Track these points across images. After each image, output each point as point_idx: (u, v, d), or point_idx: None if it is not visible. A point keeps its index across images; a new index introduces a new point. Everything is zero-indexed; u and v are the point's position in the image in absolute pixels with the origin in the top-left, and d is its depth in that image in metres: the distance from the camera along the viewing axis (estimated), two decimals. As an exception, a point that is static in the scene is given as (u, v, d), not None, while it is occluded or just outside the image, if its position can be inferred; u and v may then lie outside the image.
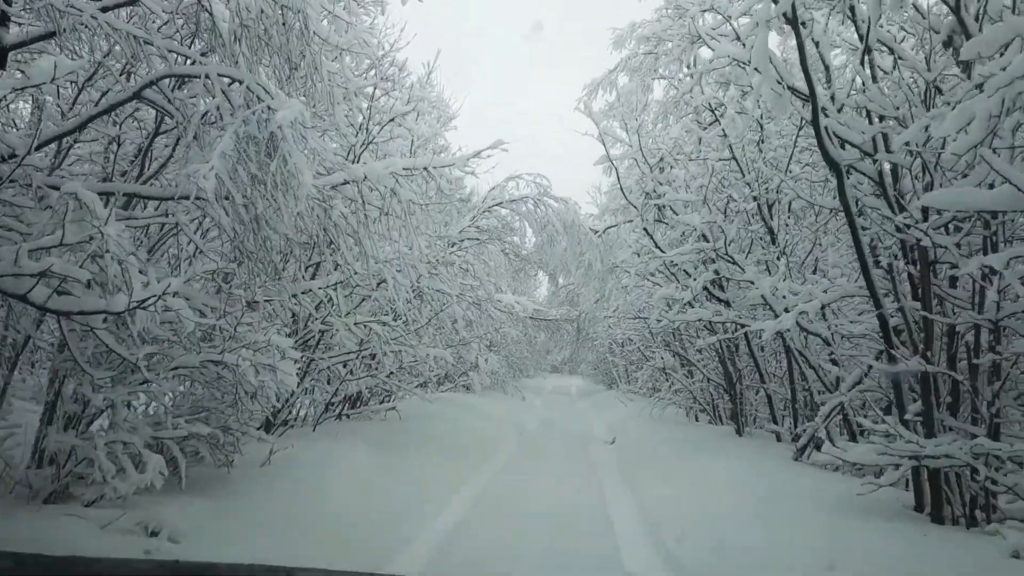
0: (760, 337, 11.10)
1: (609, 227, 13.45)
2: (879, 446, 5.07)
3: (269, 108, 5.89)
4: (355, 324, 8.99)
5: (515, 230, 13.44)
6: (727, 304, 10.32)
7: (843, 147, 5.95)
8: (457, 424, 13.25)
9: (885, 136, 5.87)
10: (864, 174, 5.94)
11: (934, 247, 5.30)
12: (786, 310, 8.95)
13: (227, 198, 5.70)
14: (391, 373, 11.70)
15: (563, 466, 10.55)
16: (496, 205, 13.32)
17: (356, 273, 7.76)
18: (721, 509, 6.36)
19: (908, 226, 5.42)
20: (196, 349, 5.54)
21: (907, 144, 4.99)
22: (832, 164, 5.61)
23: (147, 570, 1.69)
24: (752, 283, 9.21)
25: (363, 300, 10.40)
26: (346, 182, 6.83)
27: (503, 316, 16.55)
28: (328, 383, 10.63)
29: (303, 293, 7.36)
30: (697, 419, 15.83)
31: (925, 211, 5.40)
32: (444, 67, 46.91)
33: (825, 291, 8.52)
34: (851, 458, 5.14)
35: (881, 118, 5.81)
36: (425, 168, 6.82)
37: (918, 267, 5.52)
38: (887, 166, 5.88)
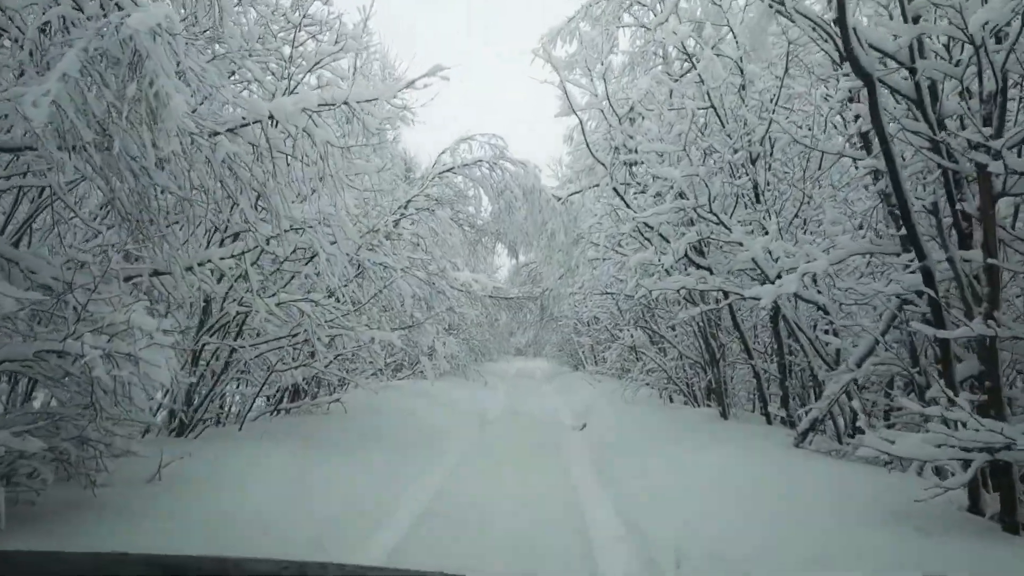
0: (755, 307, 9.95)
1: (573, 193, 12.16)
2: (936, 435, 3.86)
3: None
4: (278, 305, 7.58)
5: (469, 198, 12.08)
6: (708, 271, 9.10)
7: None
8: (410, 416, 11.91)
9: (920, 44, 4.65)
10: (896, 91, 4.72)
11: (1007, 173, 4.10)
12: (779, 276, 7.80)
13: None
14: (331, 362, 10.31)
15: (528, 461, 9.28)
16: (447, 171, 11.94)
17: (271, 240, 6.35)
18: (723, 513, 5.14)
19: (972, 147, 4.21)
20: (31, 335, 4.12)
21: (984, 25, 3.77)
22: (863, 75, 4.37)
23: (126, 563, 1.50)
24: (740, 245, 8.00)
25: (292, 277, 8.98)
26: (246, 122, 5.43)
27: (460, 295, 15.25)
28: (262, 374, 9.24)
29: (201, 265, 5.92)
30: (671, 400, 14.70)
31: (998, 123, 4.20)
32: (386, 34, 44.80)
33: (827, 250, 7.35)
34: (902, 452, 3.95)
35: (916, 19, 4.57)
36: (346, 102, 5.43)
37: (977, 202, 4.31)
38: (923, 82, 4.65)
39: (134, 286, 5.71)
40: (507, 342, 47.44)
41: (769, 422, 9.59)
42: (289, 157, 5.55)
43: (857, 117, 6.50)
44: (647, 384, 14.23)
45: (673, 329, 13.84)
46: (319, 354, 8.32)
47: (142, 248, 5.49)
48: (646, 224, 9.47)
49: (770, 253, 7.70)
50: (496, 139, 11.60)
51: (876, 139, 4.75)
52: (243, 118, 5.36)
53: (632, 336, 16.28)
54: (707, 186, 8.00)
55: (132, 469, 5.61)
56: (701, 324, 10.47)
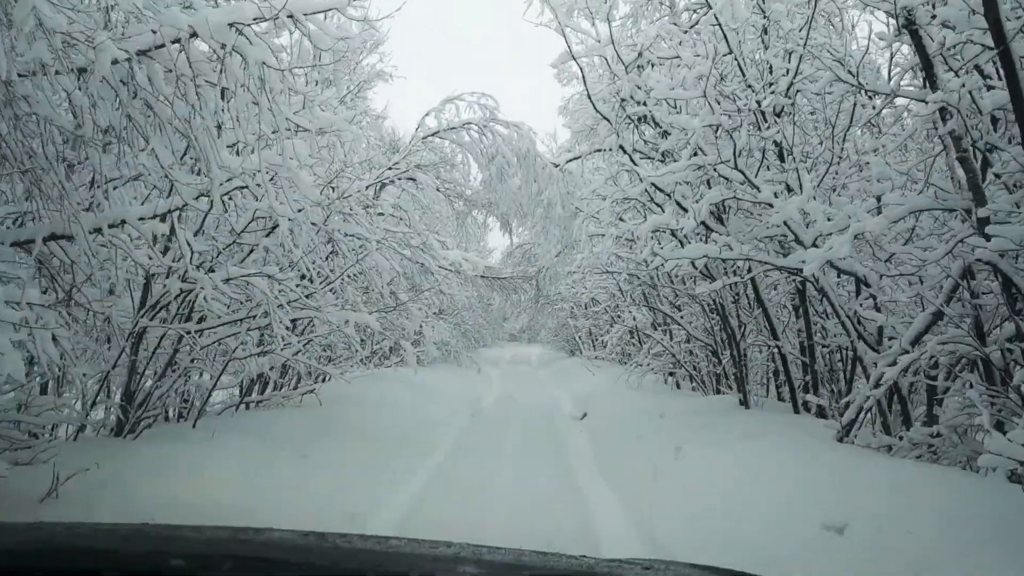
0: (781, 280, 8.83)
1: (572, 159, 10.99)
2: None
3: None
4: (227, 281, 6.41)
5: (457, 165, 10.90)
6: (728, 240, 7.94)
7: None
8: (393, 407, 10.78)
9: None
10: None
11: None
12: (814, 243, 6.67)
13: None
14: (299, 349, 9.16)
15: (524, 459, 8.16)
16: (432, 135, 10.75)
17: (203, 196, 5.17)
18: (780, 535, 4.02)
19: None
20: None
21: None
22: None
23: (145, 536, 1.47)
24: (769, 206, 6.85)
25: (252, 251, 7.82)
26: (162, 44, 4.24)
27: (450, 276, 14.09)
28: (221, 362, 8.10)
29: (114, 227, 4.74)
30: (679, 386, 13.61)
31: None
32: None
33: (873, 211, 6.24)
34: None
35: None
36: (290, 15, 4.24)
37: None
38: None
39: (27, 253, 4.54)
40: (501, 327, 46.39)
41: (796, 411, 8.49)
42: (225, 89, 4.38)
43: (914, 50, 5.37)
44: (652, 370, 13.11)
45: (680, 309, 12.73)
46: (281, 339, 7.15)
47: (36, 204, 4.33)
48: (657, 188, 8.31)
49: (805, 215, 6.56)
50: (486, 98, 10.42)
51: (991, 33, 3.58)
52: (157, 39, 4.18)
53: (635, 318, 15.19)
54: (732, 138, 6.83)
55: (32, 482, 4.48)
56: (719, 301, 9.33)
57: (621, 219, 11.76)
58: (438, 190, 10.82)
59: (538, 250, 17.15)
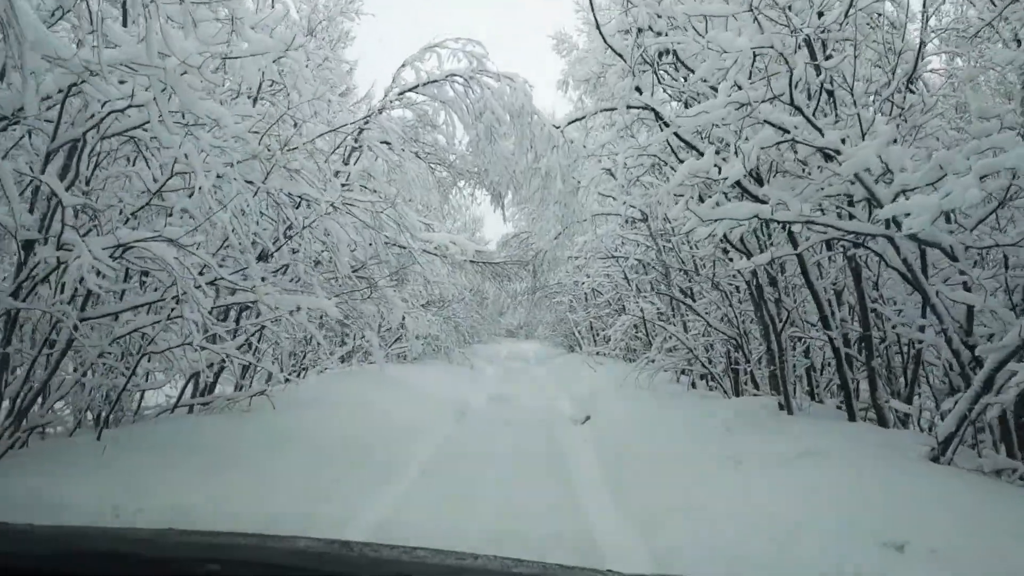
0: (834, 254, 7.22)
1: (575, 120, 9.36)
2: None
3: None
4: (118, 249, 4.79)
5: (439, 127, 9.28)
6: (761, 203, 6.34)
7: None
8: (363, 411, 9.16)
9: None
10: None
11: None
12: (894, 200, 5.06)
13: None
14: (244, 343, 7.57)
15: (515, 478, 6.51)
16: (410, 90, 9.12)
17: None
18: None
19: None
20: None
21: None
22: None
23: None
24: (836, 155, 5.24)
25: (170, 214, 6.19)
26: None
27: (435, 260, 12.48)
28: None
29: None
30: (694, 386, 12.00)
31: None
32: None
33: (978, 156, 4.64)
34: None
35: None
36: None
37: None
38: None
39: None
40: (497, 323, 44.83)
41: (852, 417, 6.88)
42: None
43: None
44: (664, 367, 11.49)
45: (694, 299, 11.11)
46: (199, 328, 5.52)
47: None
48: (683, 142, 6.70)
49: (888, 162, 4.95)
50: (473, 45, 8.78)
51: None
52: None
53: (642, 309, 13.60)
54: (787, 63, 5.19)
55: None
56: (753, 284, 7.71)
57: (633, 186, 10.20)
58: (417, 155, 9.20)
59: (534, 230, 15.51)
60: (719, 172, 5.10)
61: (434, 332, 17.86)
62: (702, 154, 6.45)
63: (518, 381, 20.00)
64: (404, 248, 11.52)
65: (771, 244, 7.24)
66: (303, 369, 15.62)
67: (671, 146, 7.02)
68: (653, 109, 6.69)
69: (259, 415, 7.82)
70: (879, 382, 7.01)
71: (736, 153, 5.63)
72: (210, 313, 5.90)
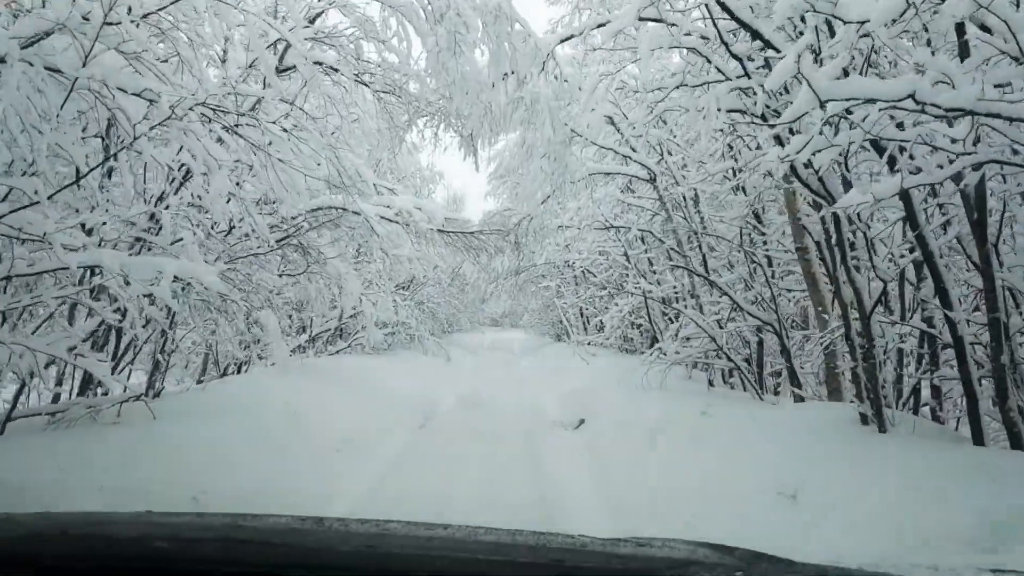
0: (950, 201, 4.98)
1: (569, 37, 7.06)
2: None
3: None
4: None
5: (387, 42, 6.97)
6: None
7: None
8: (285, 425, 6.88)
9: None
10: None
11: None
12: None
13: None
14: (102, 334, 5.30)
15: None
16: (348, -8, 6.80)
17: None
18: None
19: None
20: None
21: None
22: None
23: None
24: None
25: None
26: None
27: (397, 230, 10.23)
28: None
29: None
30: (712, 384, 9.78)
31: None
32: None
33: None
34: None
35: None
36: None
37: None
38: None
39: None
40: (480, 311, 42.59)
41: (979, 440, 4.68)
42: None
43: None
44: (678, 361, 9.21)
45: (719, 274, 8.87)
46: None
47: None
48: (735, 20, 4.44)
49: None
50: (431, -75, 6.44)
51: None
52: None
53: (644, 291, 11.39)
54: None
55: None
56: (834, 241, 5.42)
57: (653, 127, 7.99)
58: (358, 80, 6.88)
59: (519, 193, 13.25)
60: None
61: (403, 319, 15.56)
62: (767, 43, 4.19)
63: (500, 374, 17.74)
64: (356, 214, 9.32)
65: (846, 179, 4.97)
66: (242, 365, 13.33)
67: (717, 28, 4.75)
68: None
69: (126, 430, 5.54)
70: (1011, 387, 4.82)
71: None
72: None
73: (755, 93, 4.29)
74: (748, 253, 7.86)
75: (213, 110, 4.12)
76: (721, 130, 9.43)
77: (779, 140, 4.80)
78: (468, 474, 6.23)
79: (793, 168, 4.68)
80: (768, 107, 4.57)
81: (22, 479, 4.33)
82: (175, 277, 4.37)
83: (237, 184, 5.79)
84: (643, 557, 1.26)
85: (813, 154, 3.78)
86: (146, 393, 8.89)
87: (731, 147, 9.04)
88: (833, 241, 4.96)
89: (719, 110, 4.27)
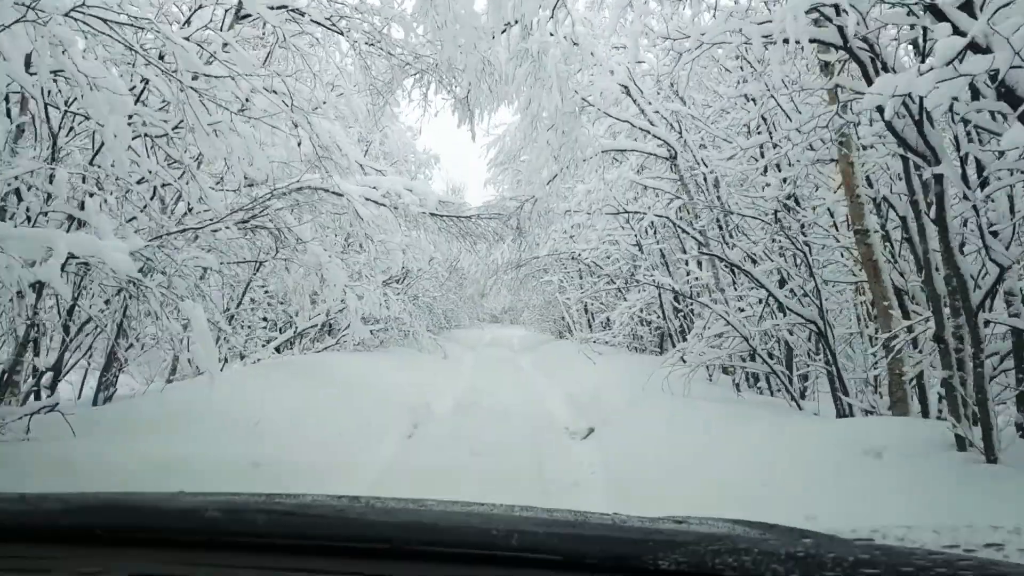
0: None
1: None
2: None
3: None
4: None
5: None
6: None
7: None
8: (245, 439, 5.80)
9: None
10: None
11: None
12: None
13: None
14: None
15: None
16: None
17: None
18: None
19: None
20: None
21: None
22: None
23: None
24: None
25: None
26: None
27: (384, 212, 9.12)
28: None
29: None
30: (739, 389, 8.67)
31: None
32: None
33: None
34: None
35: None
36: None
37: None
38: None
39: None
40: (480, 306, 41.51)
41: None
42: None
43: None
44: (704, 363, 8.07)
45: (755, 262, 7.76)
46: None
47: None
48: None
49: None
50: None
51: None
52: None
53: (658, 285, 10.31)
54: None
55: None
56: (937, 217, 4.28)
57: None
58: (332, 28, 5.76)
59: (521, 171, 12.11)
60: None
61: (396, 313, 14.45)
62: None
63: (501, 373, 16.64)
64: (337, 195, 8.28)
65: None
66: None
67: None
68: None
69: (24, 451, 4.43)
70: None
71: None
72: None
73: (845, 12, 3.20)
74: (790, 238, 6.75)
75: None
76: (753, 99, 8.35)
77: (867, 77, 3.69)
78: (461, 497, 5.13)
79: (888, 124, 3.56)
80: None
81: None
82: (70, 255, 3.26)
83: (165, 137, 4.68)
84: (684, 532, 1.19)
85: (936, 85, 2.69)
86: (95, 399, 7.84)
87: (764, 119, 7.96)
88: (931, 215, 3.84)
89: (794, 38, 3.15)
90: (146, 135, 4.99)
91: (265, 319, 14.83)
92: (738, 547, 1.04)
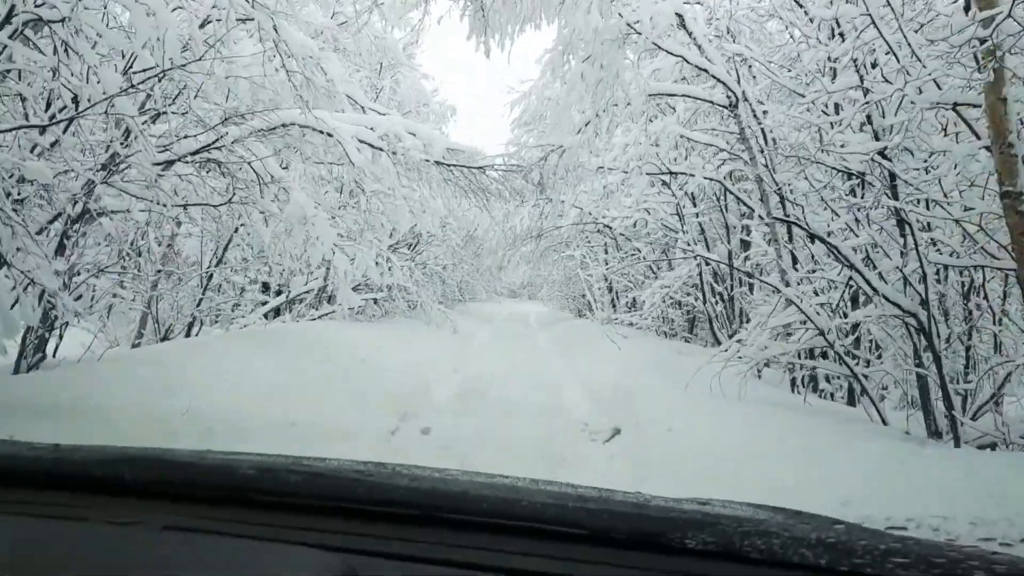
0: None
1: None
2: None
3: None
4: None
5: None
6: None
7: None
8: (161, 425, 4.39)
9: None
10: None
11: None
12: None
13: None
14: None
15: None
16: None
17: None
18: None
19: None
20: None
21: None
22: None
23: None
24: None
25: None
26: None
27: (381, 157, 7.71)
28: None
29: None
30: (797, 391, 7.13)
31: None
32: None
33: None
34: None
35: None
36: None
37: None
38: None
39: None
40: (498, 280, 40.04)
41: None
42: None
43: None
44: (769, 359, 6.52)
45: (834, 237, 6.15)
46: None
47: None
48: None
49: None
50: None
51: None
52: None
53: (700, 260, 8.76)
54: None
55: None
56: None
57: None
58: None
59: (546, 115, 10.49)
60: None
61: (400, 281, 13.00)
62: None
63: (515, 352, 15.18)
64: (322, 133, 6.92)
65: None
66: (191, 325, 10.89)
67: None
68: None
69: None
70: None
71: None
72: None
73: None
74: (896, 209, 5.17)
75: None
76: (841, 33, 6.75)
77: None
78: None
79: None
80: None
81: None
82: None
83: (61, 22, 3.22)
84: (712, 514, 1.15)
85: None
86: (16, 366, 6.46)
87: (855, 61, 6.36)
88: None
89: None
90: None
91: (256, 281, 13.47)
92: (768, 530, 1.02)
